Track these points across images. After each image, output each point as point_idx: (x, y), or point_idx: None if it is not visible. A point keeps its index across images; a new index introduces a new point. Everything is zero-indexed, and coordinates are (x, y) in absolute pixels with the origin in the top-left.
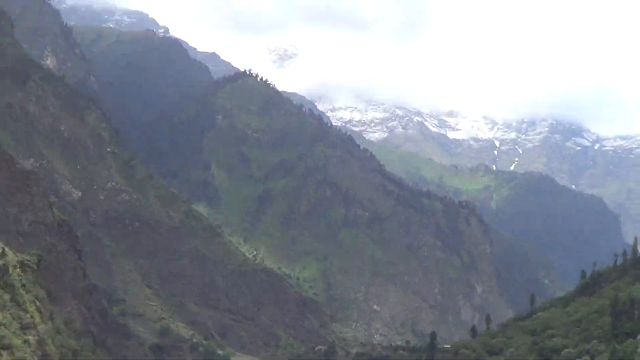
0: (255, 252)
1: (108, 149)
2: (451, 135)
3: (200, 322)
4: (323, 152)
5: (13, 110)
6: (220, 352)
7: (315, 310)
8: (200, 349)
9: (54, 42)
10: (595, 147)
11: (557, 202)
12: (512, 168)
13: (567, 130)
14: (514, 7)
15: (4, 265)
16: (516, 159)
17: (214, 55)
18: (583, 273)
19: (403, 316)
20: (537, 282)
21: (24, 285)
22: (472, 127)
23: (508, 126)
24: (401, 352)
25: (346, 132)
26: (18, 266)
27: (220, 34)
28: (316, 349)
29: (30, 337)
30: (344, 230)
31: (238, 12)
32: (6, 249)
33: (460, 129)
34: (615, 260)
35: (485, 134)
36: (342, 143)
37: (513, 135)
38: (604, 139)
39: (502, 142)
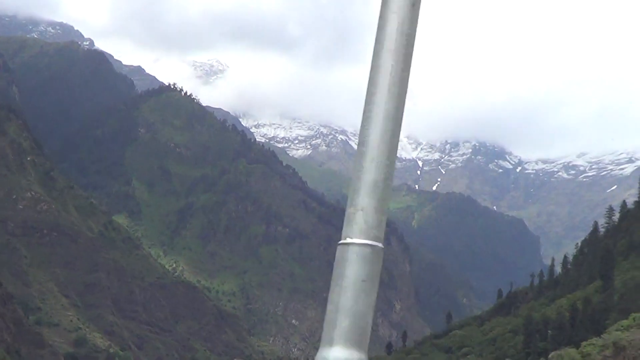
0: (174, 265)
1: (28, 159)
2: None
3: (117, 333)
4: (245, 168)
5: None
6: None
7: (233, 324)
8: (116, 359)
9: None
10: (517, 170)
11: (478, 223)
12: (434, 188)
13: (490, 153)
14: (439, 29)
15: None
16: (439, 180)
17: (139, 69)
18: (500, 292)
19: (321, 331)
20: (455, 301)
21: None
22: None
23: (431, 147)
24: None
25: (269, 149)
26: None
27: (145, 48)
28: None
29: None
30: (264, 246)
31: (165, 27)
32: None
33: None
34: (532, 281)
35: (408, 153)
36: (265, 159)
37: (436, 155)
38: (525, 162)
39: (425, 162)
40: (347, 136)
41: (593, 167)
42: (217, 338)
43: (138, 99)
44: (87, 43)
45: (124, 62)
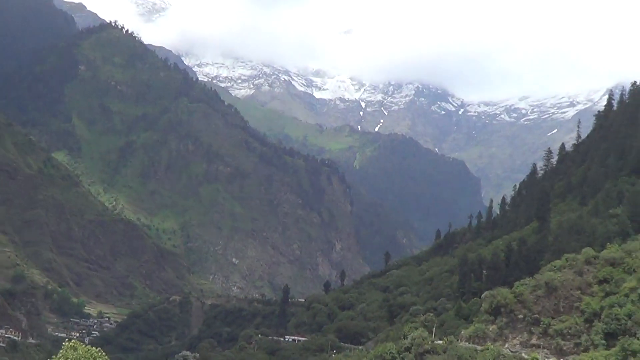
0: (114, 203)
1: None
2: (318, 95)
3: (55, 270)
4: (187, 107)
5: None
6: (74, 299)
7: (172, 262)
8: (55, 296)
9: None
10: (460, 112)
11: (420, 164)
12: (377, 129)
13: (432, 95)
14: None
15: None
16: (381, 121)
17: (79, 6)
18: (438, 233)
19: (261, 270)
20: (395, 241)
21: None
22: (339, 87)
23: (374, 88)
24: (256, 304)
25: (211, 88)
26: None
27: None
28: (171, 299)
29: None
30: (205, 185)
31: None
32: None
33: (327, 89)
34: (470, 222)
35: (351, 94)
36: (207, 98)
37: (379, 97)
38: (468, 105)
39: (368, 103)
40: (290, 77)
41: (535, 110)
42: (156, 275)
43: (79, 36)
44: None
45: None
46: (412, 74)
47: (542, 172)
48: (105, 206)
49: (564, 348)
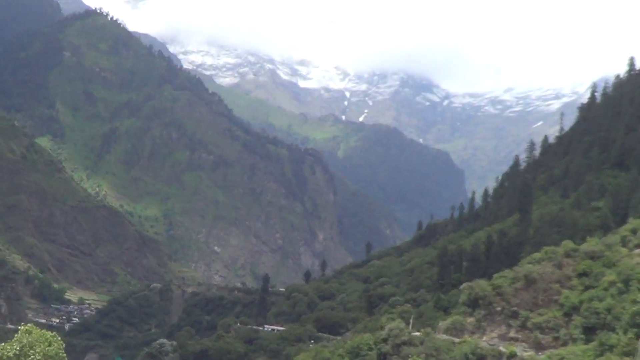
0: (97, 190)
1: None
2: (302, 84)
3: (36, 256)
4: (170, 94)
5: None
6: (55, 285)
7: (154, 249)
8: (36, 281)
9: None
10: (445, 103)
11: (404, 155)
12: (361, 119)
13: (417, 85)
14: None
15: None
16: (366, 111)
17: None
18: (420, 224)
19: (243, 259)
20: (378, 232)
21: None
22: (324, 77)
23: (359, 78)
24: (236, 293)
25: (196, 76)
26: None
27: None
28: (152, 286)
29: None
30: (188, 173)
31: None
32: None
33: (311, 79)
34: (452, 213)
35: (336, 84)
36: (191, 86)
37: (364, 87)
38: (453, 96)
39: (352, 93)
40: (275, 65)
41: (520, 102)
42: (138, 263)
43: (64, 22)
44: None
45: None
46: (397, 64)
47: (524, 164)
48: (87, 192)
49: (543, 342)
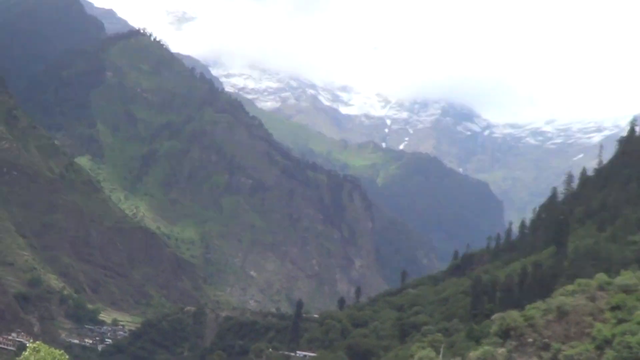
0: (135, 211)
1: None
2: (343, 110)
3: (72, 275)
4: (211, 117)
5: None
6: (90, 306)
7: (190, 272)
8: (70, 301)
9: None
10: (485, 134)
11: (443, 184)
12: (401, 147)
13: (458, 115)
14: None
15: None
16: (406, 139)
17: (110, 12)
18: (456, 253)
19: (279, 284)
20: (415, 260)
21: None
22: (365, 103)
23: (400, 105)
24: (270, 318)
25: (237, 99)
26: None
27: None
28: (185, 309)
29: None
30: (226, 196)
31: None
32: None
33: (352, 105)
34: (489, 244)
35: (377, 111)
36: (231, 109)
37: (405, 114)
38: (494, 126)
39: (393, 120)
40: (317, 91)
41: (561, 134)
42: (173, 285)
43: (107, 42)
44: None
45: (96, 5)
46: (438, 92)
47: (562, 196)
48: (124, 213)
49: None
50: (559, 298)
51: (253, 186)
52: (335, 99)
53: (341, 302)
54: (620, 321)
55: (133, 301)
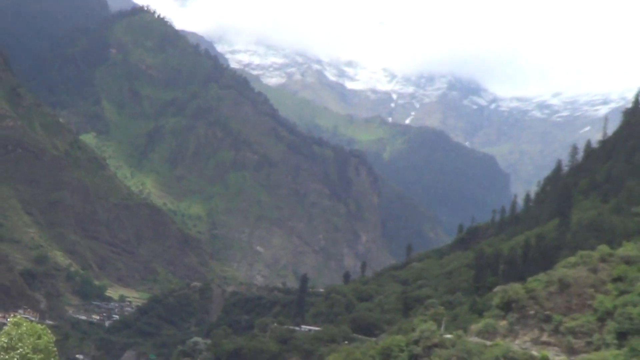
0: (141, 187)
1: None
2: (349, 85)
3: (78, 252)
4: (216, 93)
5: None
6: (97, 282)
7: (196, 248)
8: (77, 278)
9: None
10: (492, 107)
11: (449, 158)
12: (407, 122)
13: (464, 88)
14: None
15: None
16: (412, 113)
17: None
18: (460, 227)
19: (285, 259)
20: (422, 234)
21: None
22: (371, 78)
23: (407, 80)
24: (276, 293)
25: (242, 75)
26: None
27: None
28: (192, 285)
29: None
30: (232, 172)
31: None
32: None
33: (358, 80)
34: (493, 217)
35: (383, 86)
36: (237, 85)
37: (411, 89)
38: (500, 100)
39: (399, 95)
40: (323, 66)
41: (567, 107)
42: (180, 261)
43: (111, 19)
44: None
45: None
46: (444, 67)
47: (567, 168)
48: (130, 190)
49: (575, 346)
50: (561, 270)
51: (259, 162)
52: (341, 74)
53: (346, 277)
54: (622, 293)
55: (140, 277)
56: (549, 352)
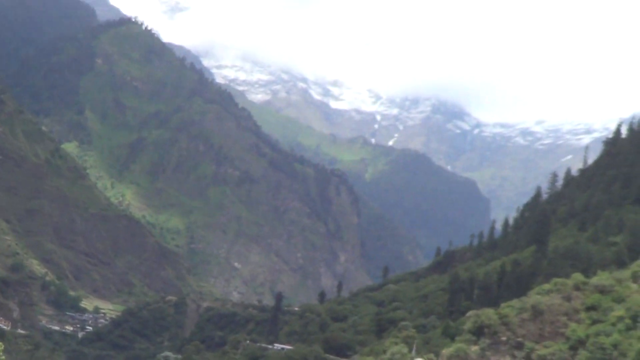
0: (121, 199)
1: None
2: (334, 104)
3: (55, 262)
4: (200, 107)
5: None
6: (72, 293)
7: (173, 262)
8: (52, 288)
9: None
10: (475, 132)
11: (431, 181)
12: (390, 143)
13: (448, 112)
14: None
15: None
16: (396, 135)
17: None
18: (438, 250)
19: (263, 277)
20: (401, 257)
21: None
22: (356, 98)
23: (391, 102)
24: (250, 310)
25: (226, 90)
26: None
27: None
28: (167, 299)
29: None
30: (213, 187)
31: None
32: None
33: (343, 100)
34: (471, 241)
35: (367, 107)
36: (220, 100)
37: (395, 111)
38: (484, 125)
39: (383, 116)
40: (308, 85)
41: (550, 135)
42: (156, 274)
43: (98, 29)
44: None
45: None
46: (429, 90)
47: (546, 195)
48: (109, 201)
49: None
50: (534, 297)
51: (240, 177)
52: (326, 93)
53: (322, 296)
54: (595, 322)
55: (115, 289)
56: None
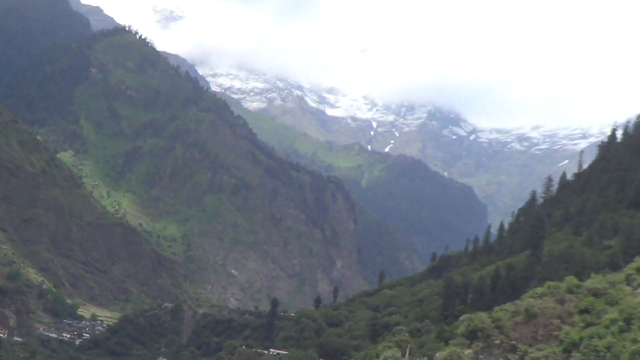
0: (117, 207)
1: None
2: (329, 112)
3: (51, 270)
4: (195, 115)
5: None
6: (69, 301)
7: (170, 269)
8: (49, 296)
9: None
10: (471, 138)
11: (427, 187)
12: (386, 150)
13: (445, 119)
14: None
15: None
16: (392, 142)
17: (97, 9)
18: (434, 255)
19: (260, 283)
20: (397, 262)
21: None
22: (351, 105)
23: (387, 108)
24: (247, 316)
25: (221, 98)
26: None
27: None
28: (163, 305)
29: None
30: (209, 195)
31: None
32: None
33: (339, 107)
34: (467, 246)
35: (363, 113)
36: (216, 108)
37: (391, 117)
38: (480, 131)
39: (379, 123)
40: (304, 92)
41: (546, 140)
42: (153, 282)
43: (92, 38)
44: None
45: (83, 1)
46: (425, 96)
47: (541, 200)
48: (105, 209)
49: None
50: (528, 300)
51: (236, 185)
52: (322, 100)
53: (318, 302)
54: (589, 325)
55: (112, 297)
56: None
